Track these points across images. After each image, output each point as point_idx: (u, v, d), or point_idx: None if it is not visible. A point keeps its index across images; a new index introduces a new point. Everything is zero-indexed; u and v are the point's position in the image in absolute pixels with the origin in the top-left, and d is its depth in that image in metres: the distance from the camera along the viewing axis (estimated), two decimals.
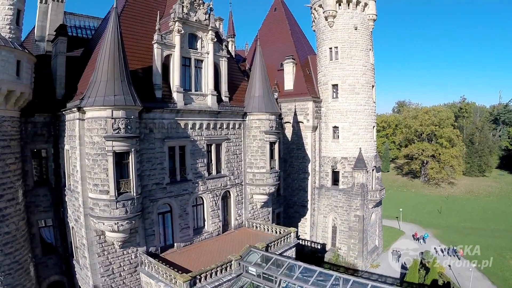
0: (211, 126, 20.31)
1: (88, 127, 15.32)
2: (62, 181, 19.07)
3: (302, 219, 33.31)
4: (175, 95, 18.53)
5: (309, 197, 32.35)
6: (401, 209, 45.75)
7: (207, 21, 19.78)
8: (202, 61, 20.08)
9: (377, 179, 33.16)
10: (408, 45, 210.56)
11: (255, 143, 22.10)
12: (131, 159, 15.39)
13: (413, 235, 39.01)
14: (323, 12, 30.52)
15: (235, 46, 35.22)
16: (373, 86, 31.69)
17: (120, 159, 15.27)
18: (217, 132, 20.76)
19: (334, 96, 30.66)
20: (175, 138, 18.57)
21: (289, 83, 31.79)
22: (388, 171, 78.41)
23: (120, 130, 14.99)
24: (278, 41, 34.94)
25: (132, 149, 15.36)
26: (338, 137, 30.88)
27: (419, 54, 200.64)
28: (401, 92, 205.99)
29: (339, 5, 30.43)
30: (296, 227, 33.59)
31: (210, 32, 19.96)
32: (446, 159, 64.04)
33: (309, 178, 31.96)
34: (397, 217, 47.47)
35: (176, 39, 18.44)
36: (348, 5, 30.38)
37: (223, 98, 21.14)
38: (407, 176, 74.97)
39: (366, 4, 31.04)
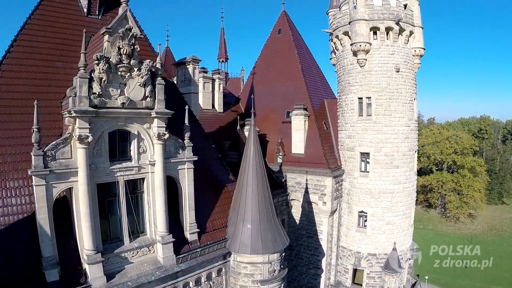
0: None
1: None
2: None
3: None
4: (86, 268, 9.15)
5: None
6: (426, 277, 37.58)
7: (149, 99, 10.17)
8: (143, 180, 10.61)
9: (410, 267, 24.61)
10: None
11: None
12: None
13: None
14: (351, 45, 20.78)
15: (224, 83, 25.54)
16: (415, 152, 22.49)
17: None
18: None
19: (363, 169, 21.34)
20: None
21: (298, 145, 22.33)
22: None
23: None
24: (283, 77, 25.14)
25: None
26: (365, 225, 21.77)
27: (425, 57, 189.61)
28: None
29: (374, 34, 20.72)
30: None
31: (156, 121, 10.37)
32: (469, 193, 55.73)
33: (323, 275, 23.05)
34: (418, 275, 39.78)
35: (79, 155, 8.90)
36: (387, 34, 20.65)
37: (188, 236, 11.69)
38: (421, 205, 66.70)
39: (411, 33, 21.36)
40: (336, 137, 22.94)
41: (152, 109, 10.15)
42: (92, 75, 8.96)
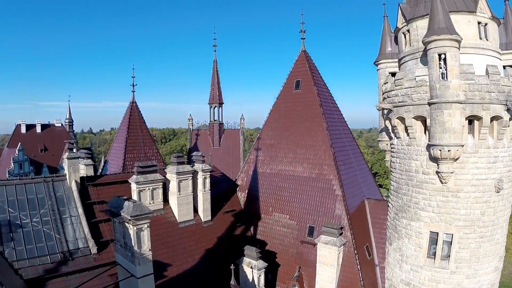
0: None
1: None
2: None
3: None
4: None
5: None
6: None
7: None
8: None
9: None
10: None
11: None
12: None
13: None
14: (430, 147, 12.37)
15: (218, 139, 16.94)
16: None
17: None
18: None
19: None
20: None
21: (326, 286, 14.49)
22: None
23: None
24: (304, 163, 16.55)
25: None
26: None
27: None
28: None
29: (470, 124, 12.34)
30: None
31: None
32: None
33: None
34: None
35: None
36: (491, 123, 12.30)
37: None
38: None
39: None
40: (382, 267, 15.22)
41: None
42: None
